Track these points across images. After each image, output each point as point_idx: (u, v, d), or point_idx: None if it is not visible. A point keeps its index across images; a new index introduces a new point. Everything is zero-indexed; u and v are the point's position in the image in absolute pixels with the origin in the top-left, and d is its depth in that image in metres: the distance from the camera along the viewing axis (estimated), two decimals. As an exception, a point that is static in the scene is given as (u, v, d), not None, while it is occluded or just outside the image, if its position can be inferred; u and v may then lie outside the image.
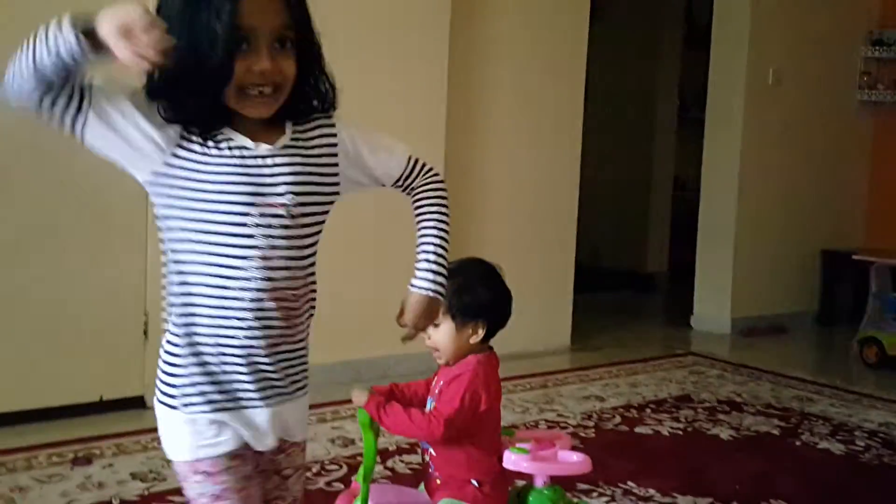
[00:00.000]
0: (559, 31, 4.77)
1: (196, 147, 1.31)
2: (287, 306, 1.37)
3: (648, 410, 3.79)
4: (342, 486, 2.72)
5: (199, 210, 1.31)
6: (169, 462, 1.45)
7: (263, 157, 1.34)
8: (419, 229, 1.52)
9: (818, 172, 6.01)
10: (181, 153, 1.31)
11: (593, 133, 5.24)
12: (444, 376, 1.96)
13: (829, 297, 6.04)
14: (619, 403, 3.88)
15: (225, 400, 1.37)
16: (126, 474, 2.78)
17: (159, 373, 1.40)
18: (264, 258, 1.33)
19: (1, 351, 3.16)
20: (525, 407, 3.75)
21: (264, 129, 1.35)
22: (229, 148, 1.32)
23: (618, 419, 3.64)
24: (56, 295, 3.26)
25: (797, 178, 5.89)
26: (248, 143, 1.34)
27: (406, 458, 2.97)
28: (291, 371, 1.42)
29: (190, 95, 1.28)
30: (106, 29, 1.15)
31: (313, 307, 1.44)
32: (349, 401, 1.93)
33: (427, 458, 1.99)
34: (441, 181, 1.55)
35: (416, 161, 1.53)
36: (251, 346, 1.35)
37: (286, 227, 1.34)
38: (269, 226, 1.33)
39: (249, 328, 1.34)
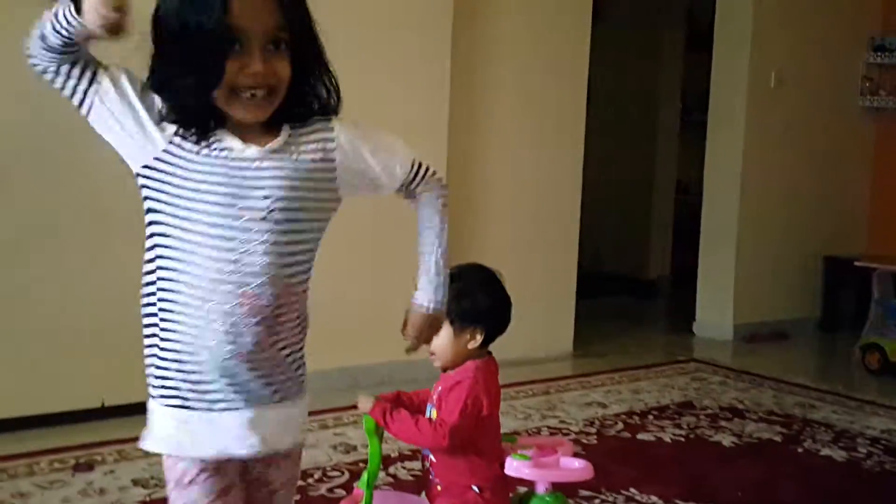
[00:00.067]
0: (561, 33, 4.78)
1: (188, 146, 1.32)
2: (264, 314, 1.33)
3: (651, 417, 3.79)
4: (344, 493, 2.71)
5: (180, 208, 1.31)
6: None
7: (250, 160, 1.33)
8: (421, 238, 1.50)
9: (820, 178, 6.01)
10: (173, 150, 1.32)
11: (595, 136, 5.24)
12: (444, 383, 1.96)
13: (831, 304, 6.03)
14: (621, 410, 3.87)
15: (196, 399, 1.35)
16: (128, 480, 2.77)
17: (147, 360, 1.40)
18: (238, 262, 1.31)
19: (2, 356, 3.16)
20: (527, 413, 3.74)
21: (260, 132, 1.34)
22: (218, 150, 1.32)
23: (620, 426, 3.64)
24: (57, 300, 3.26)
25: (799, 183, 5.89)
26: (236, 145, 1.33)
27: (408, 464, 2.97)
28: (271, 379, 1.37)
29: (182, 95, 1.29)
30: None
31: (301, 317, 1.41)
32: (351, 407, 1.93)
33: (427, 464, 1.98)
34: (444, 186, 1.52)
35: (421, 165, 1.49)
36: (224, 350, 1.33)
37: (265, 232, 1.32)
38: (247, 230, 1.31)
39: (224, 332, 1.32)
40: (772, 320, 5.77)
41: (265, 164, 1.33)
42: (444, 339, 1.93)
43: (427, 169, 1.50)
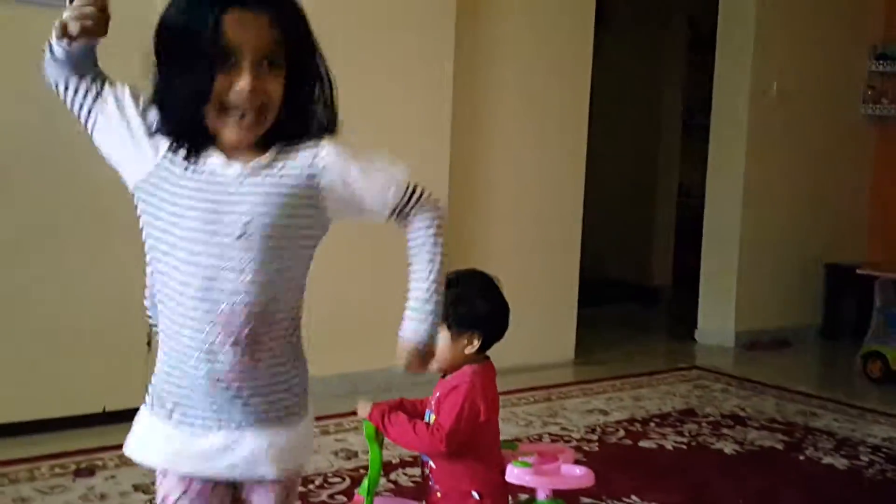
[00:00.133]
0: (564, 36, 4.78)
1: (176, 165, 1.33)
2: (241, 337, 1.32)
3: (652, 424, 3.78)
4: (345, 499, 2.72)
5: (166, 225, 1.32)
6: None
7: (230, 179, 1.32)
8: (411, 265, 1.42)
9: (822, 186, 6.01)
10: (163, 168, 1.33)
11: (598, 141, 5.24)
12: (442, 388, 1.96)
13: (833, 311, 6.02)
14: (622, 417, 3.87)
15: (180, 415, 1.36)
16: (129, 486, 2.77)
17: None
18: (214, 282, 1.30)
19: (3, 361, 3.16)
20: (529, 420, 3.74)
21: (249, 151, 1.33)
22: (202, 169, 1.32)
23: (622, 433, 3.63)
24: (57, 303, 3.26)
25: (801, 191, 5.89)
26: (219, 163, 1.32)
27: (409, 470, 2.97)
28: (252, 403, 1.35)
29: (175, 109, 1.30)
30: None
31: (289, 341, 1.38)
32: (352, 413, 1.93)
33: (427, 471, 1.98)
34: (440, 208, 1.43)
35: (415, 189, 1.40)
36: (203, 370, 1.33)
37: (241, 253, 1.30)
38: (223, 250, 1.30)
39: (203, 351, 1.32)
40: (773, 328, 5.77)
41: (245, 183, 1.31)
42: (441, 343, 1.93)
43: (422, 192, 1.41)
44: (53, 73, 1.35)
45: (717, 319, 5.70)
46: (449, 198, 4.24)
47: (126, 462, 2.94)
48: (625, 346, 5.50)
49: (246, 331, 1.32)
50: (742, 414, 4.02)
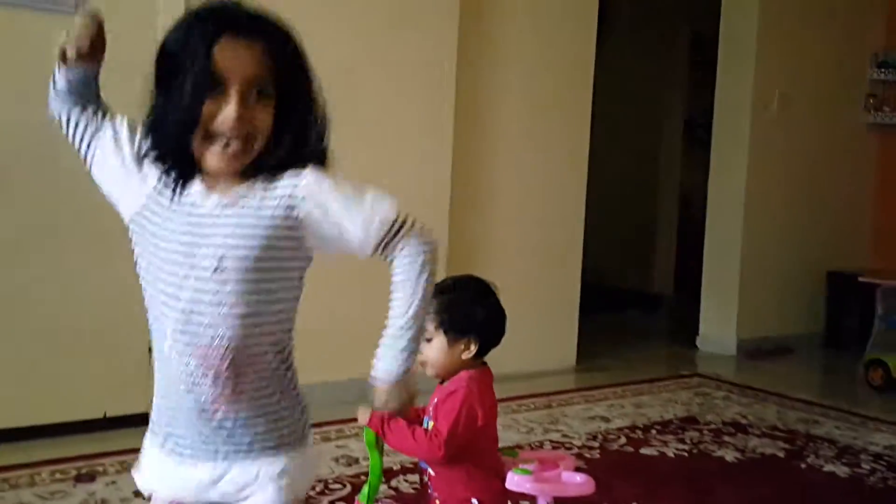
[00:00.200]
0: (567, 43, 4.79)
1: (163, 198, 1.34)
2: (215, 369, 1.31)
3: (654, 432, 3.78)
4: (345, 506, 2.72)
5: (151, 258, 1.34)
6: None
7: (208, 211, 1.31)
8: (391, 298, 1.37)
9: (824, 194, 6.02)
10: (151, 201, 1.35)
11: (600, 149, 5.24)
12: (439, 394, 1.96)
13: (834, 319, 6.02)
14: (624, 424, 3.86)
15: (172, 443, 1.37)
16: (129, 492, 2.76)
17: None
18: (191, 315, 1.30)
19: (4, 366, 3.17)
20: (530, 427, 3.74)
21: (233, 180, 1.32)
22: (185, 200, 1.33)
23: (623, 440, 3.63)
24: (59, 310, 3.27)
25: (803, 199, 5.90)
26: (200, 194, 1.32)
27: (410, 477, 2.96)
28: (235, 434, 1.35)
29: (164, 137, 1.31)
30: None
31: (274, 375, 1.36)
32: (353, 419, 1.92)
33: (426, 478, 1.98)
34: (429, 241, 1.36)
35: (404, 223, 1.34)
36: (187, 400, 1.33)
37: (216, 286, 1.29)
38: (198, 283, 1.30)
39: (185, 383, 1.33)
40: (775, 335, 5.76)
41: (222, 215, 1.31)
42: (437, 349, 1.94)
43: (412, 223, 1.35)
44: (56, 106, 1.40)
45: (719, 326, 5.70)
46: (450, 204, 4.25)
47: (127, 468, 2.95)
48: (626, 353, 5.50)
49: (226, 364, 1.31)
50: (743, 421, 4.02)
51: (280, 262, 1.32)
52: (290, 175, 1.31)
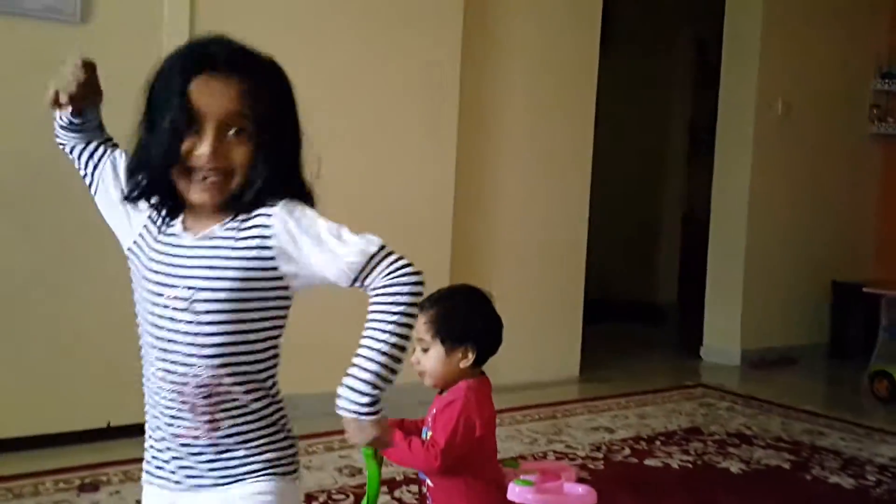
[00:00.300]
0: (569, 58, 4.80)
1: (151, 232, 1.38)
2: (191, 402, 1.32)
3: (658, 443, 3.77)
4: (348, 516, 2.71)
5: (138, 287, 1.37)
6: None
7: (186, 245, 1.33)
8: (364, 332, 1.31)
9: (828, 204, 6.01)
10: (141, 236, 1.39)
11: (603, 160, 5.25)
12: (438, 404, 1.96)
13: (839, 330, 6.01)
14: (628, 435, 3.86)
15: (157, 469, 1.39)
16: (132, 501, 2.76)
17: None
18: (165, 350, 1.32)
19: (8, 376, 3.17)
20: (533, 438, 3.73)
21: (212, 217, 1.33)
22: (168, 236, 1.36)
23: (627, 451, 3.62)
24: (62, 320, 3.27)
25: (807, 209, 5.89)
26: (180, 230, 1.35)
27: (413, 488, 2.96)
28: (216, 465, 1.35)
29: (145, 169, 1.33)
30: None
31: (254, 408, 1.35)
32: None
33: (425, 489, 1.98)
34: (411, 274, 1.30)
35: (382, 258, 1.30)
36: (168, 430, 1.35)
37: (188, 322, 1.30)
38: (172, 318, 1.31)
39: (165, 414, 1.35)
40: (780, 346, 5.75)
41: (197, 250, 1.32)
42: (434, 358, 1.94)
43: (391, 260, 1.30)
44: (62, 139, 1.48)
45: (723, 337, 5.69)
46: (454, 216, 4.25)
47: (130, 477, 2.95)
48: (630, 363, 5.49)
49: (199, 399, 1.32)
50: (748, 432, 4.01)
51: (256, 298, 1.32)
52: (264, 210, 1.31)
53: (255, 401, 1.35)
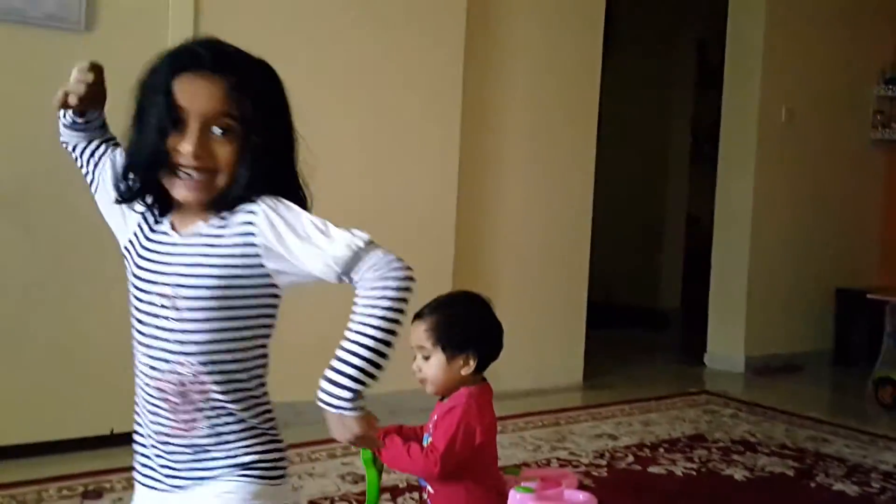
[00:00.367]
0: (572, 64, 4.80)
1: (144, 231, 1.39)
2: (172, 400, 1.33)
3: (662, 450, 3.76)
4: (351, 524, 2.71)
5: (130, 286, 1.38)
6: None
7: (172, 243, 1.35)
8: (348, 324, 1.28)
9: (832, 210, 6.01)
10: (135, 235, 1.40)
11: (606, 167, 5.25)
12: (439, 411, 1.96)
13: (843, 336, 6.00)
14: (631, 442, 3.85)
15: (140, 467, 1.40)
16: (135, 509, 2.77)
17: None
18: (149, 347, 1.34)
19: (11, 383, 3.17)
20: (537, 444, 3.72)
21: (199, 215, 1.34)
22: (157, 234, 1.37)
23: (631, 458, 3.61)
24: (66, 328, 3.27)
25: (810, 215, 5.89)
26: (167, 228, 1.36)
27: (416, 495, 2.95)
28: (196, 464, 1.35)
29: (134, 167, 1.35)
30: None
31: (233, 409, 1.34)
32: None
33: (425, 495, 1.97)
34: (399, 269, 1.27)
35: (370, 252, 1.27)
36: (151, 428, 1.36)
37: (170, 318, 1.31)
38: (156, 314, 1.32)
39: (148, 411, 1.36)
40: (784, 353, 5.74)
41: (181, 249, 1.33)
42: (436, 366, 1.94)
43: (381, 254, 1.28)
44: (65, 137, 1.52)
45: (727, 344, 5.69)
46: (456, 224, 4.25)
47: (133, 485, 2.94)
48: (634, 370, 5.48)
49: (179, 398, 1.33)
50: (752, 440, 4.00)
51: (240, 297, 1.31)
52: (248, 207, 1.31)
53: (235, 402, 1.34)
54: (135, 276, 1.37)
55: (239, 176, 1.31)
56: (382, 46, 3.98)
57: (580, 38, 4.83)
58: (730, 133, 5.74)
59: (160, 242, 1.36)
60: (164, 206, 1.37)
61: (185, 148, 1.28)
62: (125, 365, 3.59)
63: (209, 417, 1.33)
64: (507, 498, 1.95)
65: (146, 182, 1.34)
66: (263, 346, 1.37)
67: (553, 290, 4.77)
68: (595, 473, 3.38)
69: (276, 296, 1.35)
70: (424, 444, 1.94)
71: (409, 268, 1.28)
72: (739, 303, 5.64)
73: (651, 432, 4.04)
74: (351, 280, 1.27)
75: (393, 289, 1.25)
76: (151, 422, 1.35)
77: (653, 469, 3.50)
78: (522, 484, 1.98)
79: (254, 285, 1.32)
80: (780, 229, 5.73)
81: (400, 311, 1.26)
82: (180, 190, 1.31)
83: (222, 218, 1.32)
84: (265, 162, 1.32)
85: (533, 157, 4.67)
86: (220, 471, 1.35)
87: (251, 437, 1.36)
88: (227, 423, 1.34)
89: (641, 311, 7.19)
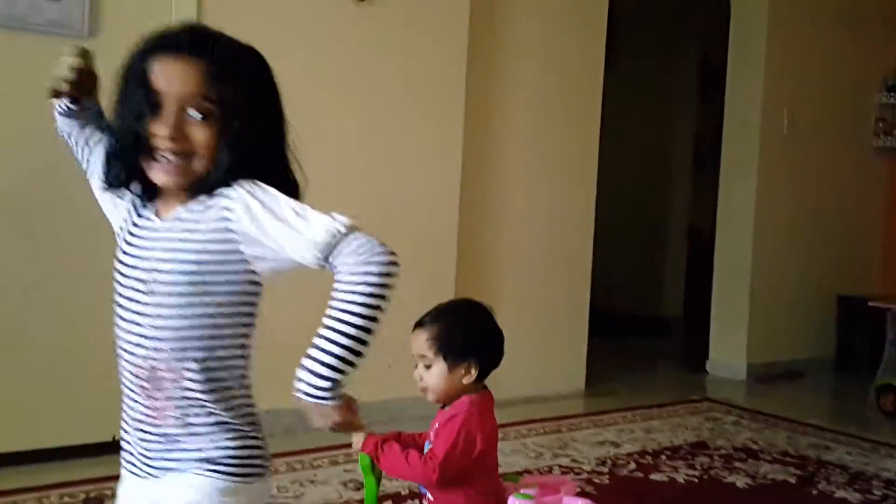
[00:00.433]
0: (574, 72, 4.81)
1: (132, 217, 1.38)
2: (145, 386, 1.33)
3: (664, 457, 3.75)
4: (353, 531, 2.70)
5: (113, 273, 1.38)
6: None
7: (153, 228, 1.34)
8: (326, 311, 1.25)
9: (834, 218, 6.01)
10: (126, 218, 1.40)
11: (608, 175, 5.26)
12: (440, 419, 1.96)
13: (845, 344, 5.99)
14: (633, 449, 3.84)
15: (125, 454, 1.42)
16: (137, 515, 2.76)
17: None
18: (126, 331, 1.34)
19: (12, 390, 3.17)
20: (539, 452, 3.72)
21: (181, 201, 1.33)
22: (142, 220, 1.37)
23: (633, 465, 3.61)
24: (67, 333, 3.27)
25: (813, 223, 5.89)
26: (151, 213, 1.36)
27: (417, 503, 2.95)
28: (155, 454, 1.35)
29: (115, 152, 1.35)
30: None
31: (197, 401, 1.32)
32: (361, 443, 1.92)
33: (425, 503, 1.97)
34: (379, 254, 1.23)
35: (351, 236, 1.23)
36: (128, 413, 1.37)
37: (146, 304, 1.31)
38: (136, 300, 1.32)
39: (126, 397, 1.37)
40: (786, 360, 5.74)
41: (160, 234, 1.33)
42: (438, 375, 1.93)
43: (362, 238, 1.24)
44: (61, 125, 1.52)
45: (729, 351, 5.68)
46: (459, 230, 4.25)
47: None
48: (636, 377, 5.48)
49: (151, 382, 1.32)
50: (754, 447, 3.99)
51: (218, 283, 1.29)
52: (226, 191, 1.29)
53: (208, 394, 1.31)
54: (118, 260, 1.36)
55: (219, 160, 1.29)
56: (384, 46, 3.98)
57: (583, 41, 4.84)
58: (732, 140, 5.75)
59: (144, 227, 1.35)
60: (151, 192, 1.36)
61: (160, 131, 1.27)
62: (127, 371, 3.56)
63: (179, 407, 1.32)
64: (506, 505, 1.95)
65: (130, 168, 1.33)
66: (244, 338, 1.34)
67: (555, 296, 4.77)
68: (597, 480, 3.38)
69: (255, 283, 1.32)
70: (425, 452, 1.94)
71: (392, 252, 1.24)
72: (741, 310, 5.64)
73: (653, 439, 4.03)
74: (331, 265, 1.24)
75: (375, 274, 1.21)
76: (130, 407, 1.36)
77: (655, 476, 3.49)
78: (521, 491, 1.98)
79: (231, 271, 1.29)
80: (782, 236, 5.73)
81: (382, 297, 1.22)
82: (158, 174, 1.30)
83: (202, 203, 1.31)
84: (248, 147, 1.30)
85: (535, 160, 4.67)
86: (188, 463, 1.33)
87: (222, 433, 1.33)
88: (198, 416, 1.32)
89: (643, 319, 7.18)
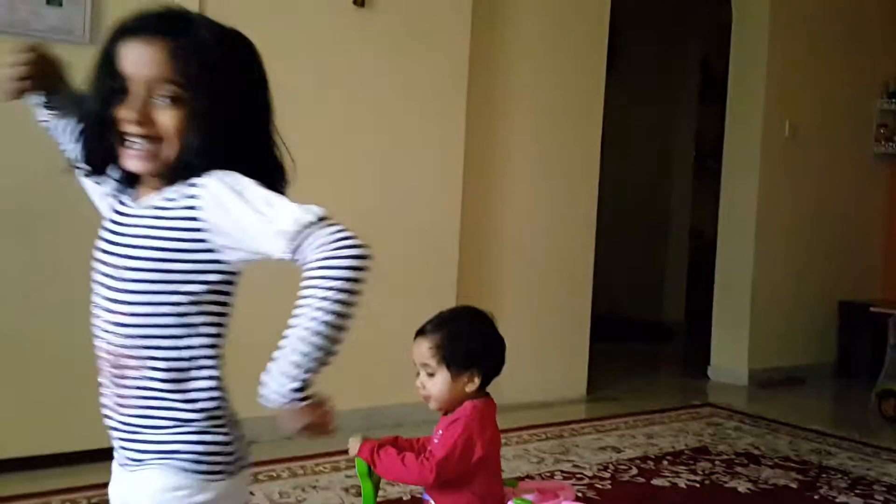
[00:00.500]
0: (577, 79, 4.82)
1: (114, 203, 1.37)
2: (111, 373, 1.31)
3: (665, 462, 3.76)
4: (355, 536, 2.70)
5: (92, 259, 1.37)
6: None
7: (128, 215, 1.33)
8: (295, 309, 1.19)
9: (835, 224, 6.01)
10: (109, 209, 1.38)
11: (610, 180, 5.26)
12: (442, 424, 1.96)
13: (847, 349, 5.99)
14: (635, 455, 3.84)
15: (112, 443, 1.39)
16: (139, 521, 2.76)
17: None
18: (98, 318, 1.33)
19: (13, 395, 3.17)
20: (540, 457, 3.72)
21: (155, 187, 1.31)
22: (123, 204, 1.36)
23: (634, 471, 3.61)
24: (69, 339, 3.28)
25: (814, 229, 5.89)
26: (129, 200, 1.34)
27: (419, 507, 2.95)
28: (124, 443, 1.33)
29: (85, 137, 1.33)
30: None
31: (161, 392, 1.28)
32: (358, 449, 1.92)
33: (426, 508, 1.98)
34: (350, 247, 1.17)
35: (319, 227, 1.18)
36: (104, 400, 1.35)
37: (114, 290, 1.29)
38: (107, 286, 1.31)
39: (102, 384, 1.34)
40: (787, 365, 5.74)
41: (133, 220, 1.31)
42: (441, 383, 1.93)
43: (331, 230, 1.18)
44: (41, 117, 1.50)
45: (731, 356, 5.68)
46: (461, 235, 4.26)
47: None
48: (637, 383, 5.48)
49: (115, 369, 1.30)
50: (756, 452, 3.99)
51: (183, 272, 1.26)
52: (196, 180, 1.26)
53: (169, 386, 1.28)
54: (96, 246, 1.35)
55: (188, 143, 1.26)
56: (386, 50, 3.99)
57: (585, 44, 4.85)
58: (733, 146, 5.75)
59: (122, 213, 1.34)
60: (132, 178, 1.34)
61: (127, 115, 1.25)
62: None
63: (139, 398, 1.29)
64: (506, 510, 1.95)
65: (105, 154, 1.31)
66: (213, 333, 1.30)
67: (557, 301, 4.78)
68: (599, 486, 3.38)
69: (226, 274, 1.28)
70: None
71: (362, 245, 1.18)
72: (743, 315, 5.64)
73: (655, 445, 4.03)
74: (300, 258, 1.18)
75: (343, 268, 1.16)
76: (103, 394, 1.34)
77: (656, 481, 3.50)
78: (520, 496, 1.98)
79: (199, 260, 1.26)
80: (784, 242, 5.74)
81: (351, 292, 1.16)
82: (129, 160, 1.28)
83: (175, 191, 1.28)
84: (219, 128, 1.27)
85: (537, 164, 4.68)
86: (148, 455, 1.30)
87: (183, 429, 1.29)
88: (158, 409, 1.29)
89: (645, 324, 7.19)
